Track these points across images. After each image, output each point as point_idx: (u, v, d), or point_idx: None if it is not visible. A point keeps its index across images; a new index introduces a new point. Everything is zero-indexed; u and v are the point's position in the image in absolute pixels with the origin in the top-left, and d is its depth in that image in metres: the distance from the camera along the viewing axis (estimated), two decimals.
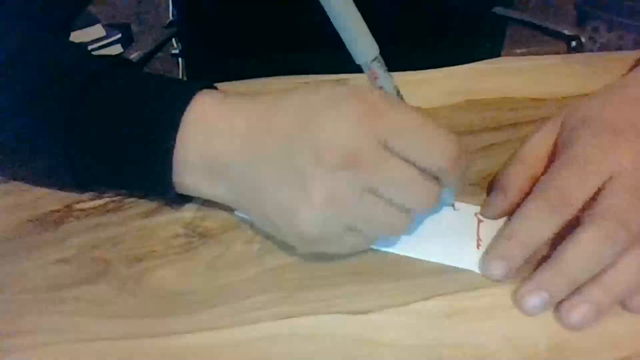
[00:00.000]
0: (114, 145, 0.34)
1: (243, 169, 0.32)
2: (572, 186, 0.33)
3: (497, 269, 0.33)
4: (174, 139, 0.32)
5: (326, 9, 0.30)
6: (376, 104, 0.30)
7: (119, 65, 0.36)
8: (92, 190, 0.38)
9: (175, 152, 0.32)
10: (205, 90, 0.34)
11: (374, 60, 0.32)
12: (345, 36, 0.31)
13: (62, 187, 0.38)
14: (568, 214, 0.32)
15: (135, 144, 0.33)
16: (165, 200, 0.37)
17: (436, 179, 0.31)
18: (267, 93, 0.33)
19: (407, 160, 0.30)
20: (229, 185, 0.33)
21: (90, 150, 0.34)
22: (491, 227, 0.36)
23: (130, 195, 0.38)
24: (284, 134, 0.30)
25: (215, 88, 0.36)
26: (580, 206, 0.32)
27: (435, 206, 0.32)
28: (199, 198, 0.37)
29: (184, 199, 0.36)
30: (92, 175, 0.36)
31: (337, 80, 0.49)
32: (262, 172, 0.31)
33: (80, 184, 0.37)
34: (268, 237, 0.35)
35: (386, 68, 0.32)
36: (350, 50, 0.31)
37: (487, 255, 0.33)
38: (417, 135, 0.30)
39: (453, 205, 0.37)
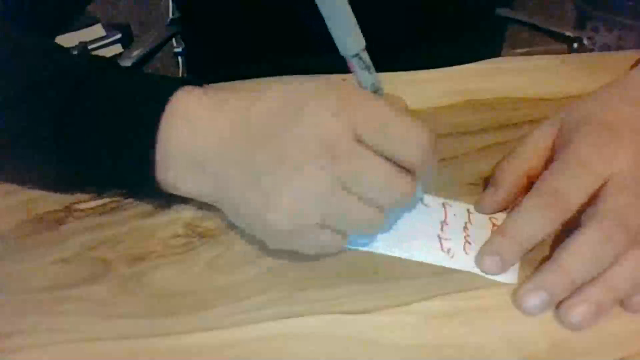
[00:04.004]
0: (101, 145, 0.34)
1: (221, 163, 0.32)
2: (569, 186, 0.33)
3: (492, 264, 0.33)
4: (155, 135, 0.32)
5: None
6: (351, 98, 0.30)
7: (105, 66, 0.36)
8: (84, 191, 0.38)
9: (156, 148, 0.32)
10: (187, 87, 0.34)
11: (354, 55, 0.32)
12: (330, 27, 0.31)
13: (54, 188, 0.38)
14: (564, 213, 0.32)
15: (118, 143, 0.33)
16: (153, 199, 0.37)
17: (411, 173, 0.31)
18: (249, 89, 0.33)
19: (381, 155, 0.30)
20: (208, 180, 0.33)
21: (80, 152, 0.34)
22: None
23: (130, 196, 0.38)
24: (261, 127, 0.31)
25: (200, 85, 0.35)
26: (577, 206, 0.32)
27: (407, 202, 0.32)
28: None
29: (173, 198, 0.36)
30: (82, 176, 0.36)
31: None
32: (238, 164, 0.31)
33: (72, 185, 0.37)
34: None
35: (368, 64, 0.32)
36: (335, 41, 0.31)
37: (482, 251, 0.34)
38: (390, 129, 0.30)
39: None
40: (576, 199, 0.32)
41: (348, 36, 0.31)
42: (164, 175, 0.33)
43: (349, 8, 0.30)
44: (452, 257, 0.34)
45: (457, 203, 0.38)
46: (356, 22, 0.31)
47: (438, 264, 0.34)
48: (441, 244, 0.35)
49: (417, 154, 0.30)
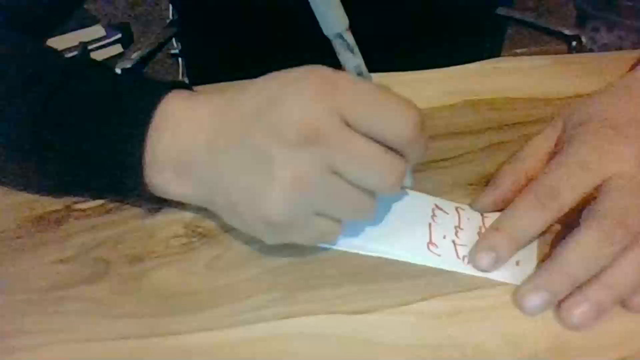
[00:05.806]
0: (85, 149, 0.33)
1: (208, 162, 0.31)
2: (562, 184, 0.33)
3: (484, 259, 0.33)
4: (143, 141, 0.32)
5: None
6: (334, 81, 0.29)
7: (89, 67, 0.36)
8: (68, 196, 0.38)
9: (144, 153, 0.32)
10: (174, 90, 0.34)
11: (337, 35, 0.31)
12: (313, 4, 0.30)
13: (37, 192, 0.38)
14: (557, 212, 0.33)
15: (105, 148, 0.33)
16: (147, 204, 0.37)
17: (401, 155, 0.30)
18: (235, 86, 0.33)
19: (370, 137, 0.29)
20: (196, 182, 0.33)
21: (62, 155, 0.34)
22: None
23: (123, 201, 0.38)
24: (243, 119, 0.30)
25: (189, 87, 0.35)
26: (569, 205, 0.33)
27: (399, 187, 0.31)
28: None
29: (160, 202, 0.36)
30: (65, 181, 0.36)
31: None
32: (225, 161, 0.30)
33: (55, 190, 0.37)
34: None
35: (351, 46, 0.31)
36: (318, 20, 0.30)
37: (476, 247, 0.34)
38: (377, 109, 0.29)
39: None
40: (570, 198, 0.33)
41: (329, 14, 0.30)
42: (151, 180, 0.33)
43: None
44: (467, 264, 0.34)
45: (470, 207, 0.37)
46: (339, 1, 0.30)
47: (453, 269, 0.33)
48: (456, 251, 0.34)
49: (406, 132, 0.29)
